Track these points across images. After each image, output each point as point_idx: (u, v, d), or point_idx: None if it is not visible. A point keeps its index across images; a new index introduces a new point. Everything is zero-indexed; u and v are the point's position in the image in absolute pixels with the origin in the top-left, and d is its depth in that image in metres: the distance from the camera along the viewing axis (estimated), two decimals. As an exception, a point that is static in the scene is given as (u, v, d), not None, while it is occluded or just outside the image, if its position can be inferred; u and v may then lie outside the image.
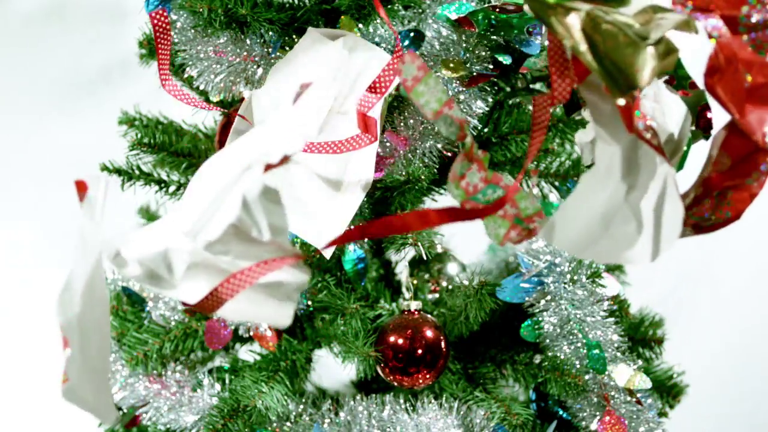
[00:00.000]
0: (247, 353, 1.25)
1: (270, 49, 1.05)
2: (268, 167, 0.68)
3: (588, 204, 0.73)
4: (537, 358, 1.18)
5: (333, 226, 0.97)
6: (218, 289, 0.69)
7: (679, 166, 0.87)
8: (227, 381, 1.17)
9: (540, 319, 1.08)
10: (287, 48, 1.08)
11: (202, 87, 1.09)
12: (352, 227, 0.94)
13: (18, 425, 2.04)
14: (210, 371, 1.20)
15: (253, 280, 0.69)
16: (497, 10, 1.03)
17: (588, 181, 0.72)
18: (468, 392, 1.15)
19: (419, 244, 1.04)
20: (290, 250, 0.69)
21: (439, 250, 1.33)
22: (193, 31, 1.06)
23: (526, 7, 0.73)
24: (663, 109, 0.84)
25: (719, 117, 0.80)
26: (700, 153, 0.81)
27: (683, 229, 0.74)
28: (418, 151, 1.06)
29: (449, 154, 1.09)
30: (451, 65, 1.03)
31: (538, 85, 1.25)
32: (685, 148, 0.86)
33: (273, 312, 0.73)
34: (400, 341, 1.08)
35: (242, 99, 1.12)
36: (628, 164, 0.73)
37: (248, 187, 0.67)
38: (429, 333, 1.09)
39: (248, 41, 1.05)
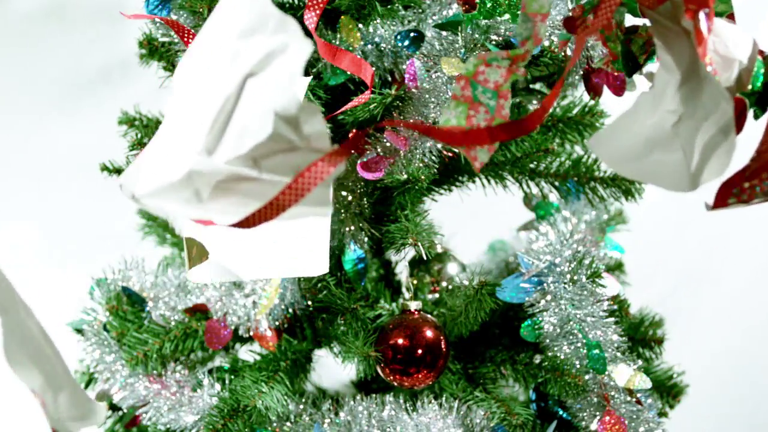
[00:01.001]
0: (247, 353, 1.25)
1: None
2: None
3: (636, 124, 0.74)
4: (537, 358, 1.18)
5: (320, 249, 0.96)
6: (270, 203, 0.67)
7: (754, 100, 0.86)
8: (227, 381, 1.17)
9: (540, 319, 1.08)
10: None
11: (202, 87, 1.09)
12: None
13: (18, 425, 2.04)
14: (210, 371, 1.20)
15: (303, 192, 0.67)
16: None
17: (641, 103, 0.74)
18: (468, 392, 1.15)
19: (419, 244, 1.04)
20: (328, 148, 0.67)
21: (439, 250, 1.33)
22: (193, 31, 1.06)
23: None
24: (725, 42, 0.83)
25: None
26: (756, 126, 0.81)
27: (732, 200, 0.75)
28: (418, 151, 1.06)
29: (449, 154, 1.09)
30: (451, 65, 1.03)
31: (538, 85, 1.25)
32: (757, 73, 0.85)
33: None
34: (400, 341, 1.08)
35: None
36: (685, 95, 0.73)
37: (279, 100, 0.65)
38: (429, 333, 1.09)
39: (248, 41, 1.04)
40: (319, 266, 0.93)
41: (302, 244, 0.94)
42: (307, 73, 1.08)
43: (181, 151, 0.69)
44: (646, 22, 0.82)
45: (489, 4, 1.03)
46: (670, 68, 0.74)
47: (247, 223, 0.68)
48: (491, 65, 0.73)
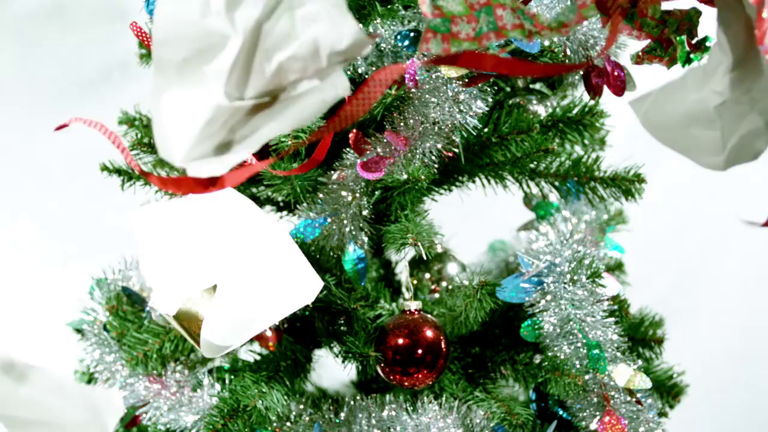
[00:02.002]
0: (247, 353, 1.25)
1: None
2: None
3: (680, 95, 0.75)
4: (537, 358, 1.18)
5: (304, 271, 0.97)
6: (338, 114, 0.70)
7: None
8: (227, 381, 1.17)
9: (540, 319, 1.08)
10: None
11: (202, 87, 1.09)
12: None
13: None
14: (210, 371, 1.20)
15: (369, 101, 0.69)
16: None
17: (689, 76, 0.74)
18: (468, 392, 1.15)
19: (419, 244, 1.04)
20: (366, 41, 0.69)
21: (439, 250, 1.33)
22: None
23: None
24: None
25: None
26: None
27: None
28: (418, 151, 1.06)
29: (449, 154, 1.09)
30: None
31: (538, 85, 1.25)
32: None
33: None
34: (400, 341, 1.08)
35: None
36: (734, 79, 0.73)
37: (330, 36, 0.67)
38: (429, 333, 1.09)
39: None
40: (314, 286, 0.95)
41: (288, 278, 0.95)
42: None
43: (199, 101, 0.69)
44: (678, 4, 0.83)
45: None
46: (724, 49, 0.74)
47: (315, 135, 0.72)
48: (511, 11, 0.73)
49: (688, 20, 0.86)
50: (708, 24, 0.84)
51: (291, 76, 0.68)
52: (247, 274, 0.93)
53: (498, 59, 0.72)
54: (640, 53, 0.90)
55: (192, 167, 0.70)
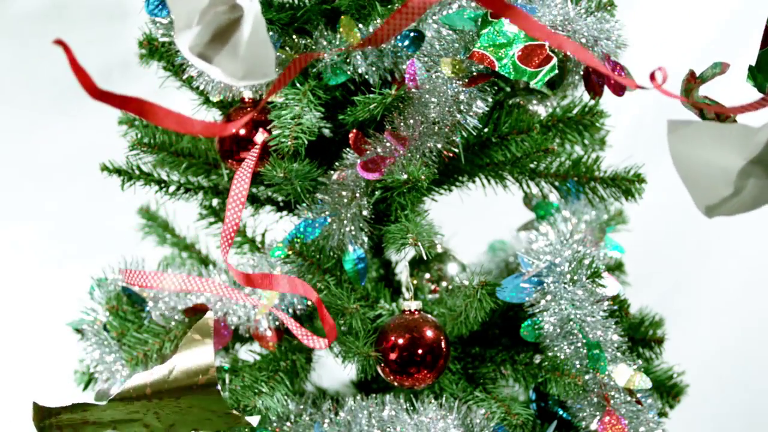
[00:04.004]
0: (247, 353, 1.25)
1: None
2: None
3: (715, 139, 0.77)
4: (537, 358, 1.18)
5: None
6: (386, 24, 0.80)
7: None
8: (227, 381, 1.17)
9: (540, 319, 1.08)
10: (287, 48, 1.08)
11: (201, 87, 1.09)
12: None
13: (18, 424, 2.04)
14: (210, 371, 1.20)
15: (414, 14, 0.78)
16: None
17: (736, 128, 0.76)
18: (468, 392, 1.15)
19: (419, 244, 1.04)
20: None
21: (439, 250, 1.33)
22: (193, 31, 1.06)
23: None
24: None
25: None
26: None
27: None
28: (417, 151, 1.06)
29: (450, 154, 1.09)
30: (451, 65, 1.03)
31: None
32: None
33: None
34: (400, 341, 1.08)
35: (242, 99, 1.12)
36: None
37: None
38: (429, 333, 1.09)
39: (248, 41, 1.04)
40: None
41: None
42: (306, 73, 1.08)
43: None
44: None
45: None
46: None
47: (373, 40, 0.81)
48: None
49: None
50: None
51: None
52: None
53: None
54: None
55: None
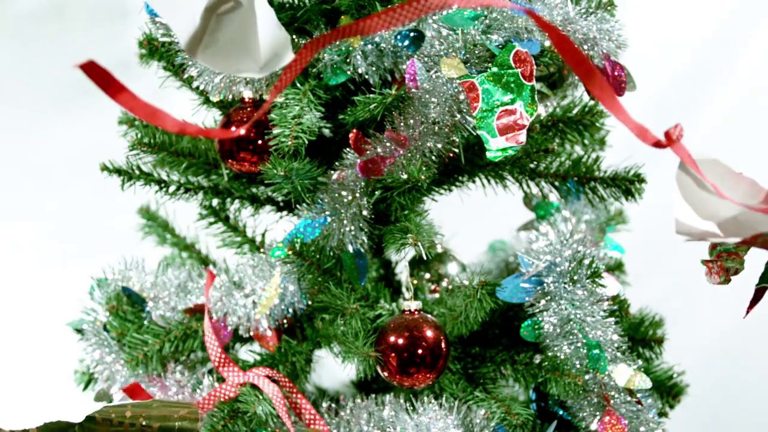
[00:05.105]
0: (247, 353, 1.25)
1: (270, 49, 1.05)
2: None
3: (719, 181, 0.84)
4: (537, 358, 1.18)
5: None
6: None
7: None
8: (227, 381, 1.17)
9: (540, 319, 1.08)
10: (287, 48, 1.08)
11: (202, 87, 1.09)
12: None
13: (18, 424, 2.04)
14: (210, 371, 1.20)
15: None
16: None
17: (743, 183, 0.84)
18: (468, 392, 1.15)
19: (419, 244, 1.04)
20: None
21: (439, 250, 1.33)
22: (193, 31, 1.06)
23: None
24: None
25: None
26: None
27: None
28: (417, 151, 1.06)
29: (450, 154, 1.09)
30: (451, 65, 1.03)
31: (538, 85, 1.25)
32: None
33: None
34: (400, 341, 1.08)
35: (242, 99, 1.12)
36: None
37: None
38: (429, 333, 1.09)
39: (248, 41, 1.04)
40: None
41: None
42: (306, 73, 1.08)
43: None
44: None
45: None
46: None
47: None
48: None
49: None
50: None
51: None
52: None
53: None
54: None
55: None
